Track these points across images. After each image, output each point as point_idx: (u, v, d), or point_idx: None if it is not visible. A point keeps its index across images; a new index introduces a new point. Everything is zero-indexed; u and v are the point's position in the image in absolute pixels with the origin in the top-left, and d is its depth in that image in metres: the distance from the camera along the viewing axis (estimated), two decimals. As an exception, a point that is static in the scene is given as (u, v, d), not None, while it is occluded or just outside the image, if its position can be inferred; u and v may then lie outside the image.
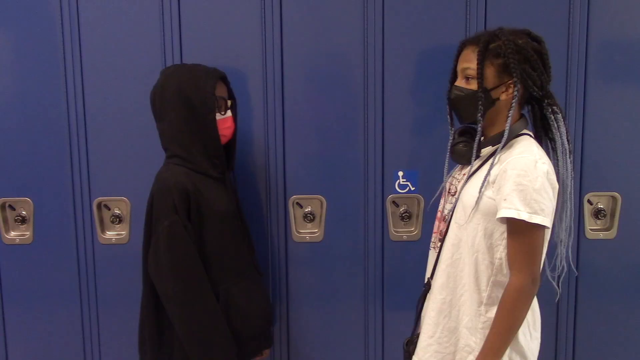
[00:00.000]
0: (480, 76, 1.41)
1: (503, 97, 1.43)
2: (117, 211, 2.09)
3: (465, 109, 1.45)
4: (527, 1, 2.00)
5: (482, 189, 1.41)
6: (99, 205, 2.08)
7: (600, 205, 2.08)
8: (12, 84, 2.05)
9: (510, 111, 1.41)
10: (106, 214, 2.10)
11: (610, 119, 2.04)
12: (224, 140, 1.73)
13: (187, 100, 1.65)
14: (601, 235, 2.08)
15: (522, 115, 1.49)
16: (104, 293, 2.12)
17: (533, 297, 1.38)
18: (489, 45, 1.42)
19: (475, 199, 1.42)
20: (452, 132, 1.57)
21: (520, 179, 1.34)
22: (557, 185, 1.40)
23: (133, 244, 2.07)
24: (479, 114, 1.42)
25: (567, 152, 1.45)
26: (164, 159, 1.74)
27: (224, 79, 1.77)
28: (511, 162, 1.37)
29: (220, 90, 1.74)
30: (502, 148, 1.42)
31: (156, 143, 1.83)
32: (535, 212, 1.32)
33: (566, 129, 1.45)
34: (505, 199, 1.35)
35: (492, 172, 1.41)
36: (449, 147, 1.56)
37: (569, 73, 2.01)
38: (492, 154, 1.44)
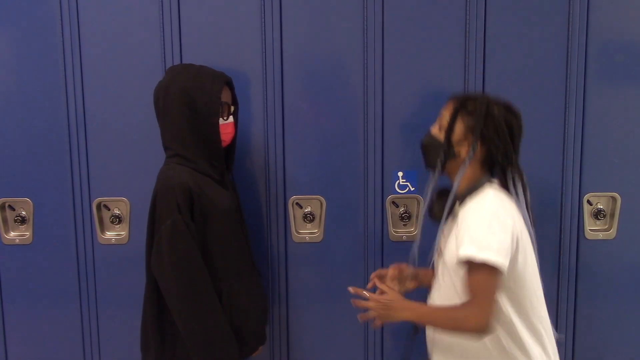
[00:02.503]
0: (450, 129, 1.48)
1: (463, 153, 1.49)
2: (116, 211, 2.09)
3: (429, 155, 1.55)
4: (527, 1, 2.00)
5: (448, 249, 1.49)
6: (98, 206, 2.08)
7: (600, 206, 2.08)
8: (12, 84, 2.05)
9: (463, 168, 1.48)
10: (106, 214, 2.10)
11: (610, 119, 2.04)
12: (223, 144, 1.74)
13: (192, 101, 1.65)
14: (601, 235, 2.08)
15: (488, 172, 1.53)
16: (104, 293, 2.12)
17: (471, 334, 1.39)
18: (466, 102, 1.49)
19: (449, 253, 1.48)
20: (430, 192, 1.60)
21: (468, 222, 1.40)
22: (509, 224, 1.40)
23: (133, 244, 2.07)
24: (439, 163, 1.50)
25: (529, 222, 1.49)
26: (163, 159, 1.74)
27: (229, 83, 1.78)
28: (464, 212, 1.45)
29: (225, 95, 1.74)
30: (454, 202, 1.50)
31: (156, 143, 1.83)
32: (481, 249, 1.35)
33: (527, 200, 1.50)
34: (460, 244, 1.40)
35: (457, 225, 1.47)
36: (425, 207, 1.63)
37: (569, 73, 2.01)
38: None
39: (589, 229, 2.08)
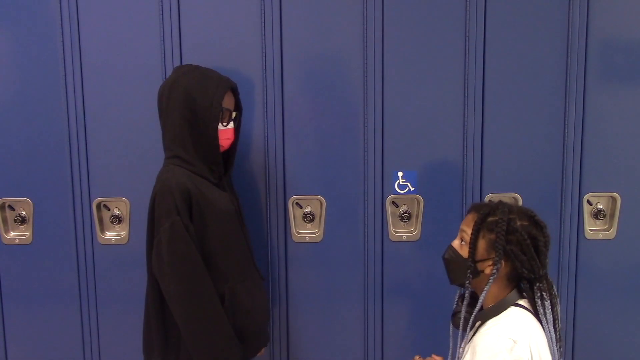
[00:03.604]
0: (473, 247, 1.44)
1: (487, 271, 1.44)
2: (116, 211, 2.09)
3: (453, 271, 1.51)
4: (527, 1, 2.00)
5: (463, 353, 1.47)
6: (98, 206, 2.08)
7: (600, 206, 2.08)
8: (12, 83, 2.05)
9: (487, 286, 1.43)
10: (106, 214, 2.10)
11: (610, 119, 2.04)
12: (221, 149, 1.73)
13: (193, 104, 1.65)
14: (601, 235, 2.08)
15: (516, 285, 1.49)
16: (104, 293, 2.12)
17: None
18: (487, 218, 1.44)
19: None
20: (457, 297, 1.58)
21: (483, 356, 1.36)
22: (525, 356, 1.36)
23: (132, 244, 2.07)
24: (467, 282, 1.46)
25: (554, 340, 1.44)
26: (163, 159, 1.74)
27: (234, 89, 1.78)
28: (481, 337, 1.41)
29: (228, 101, 1.74)
30: (481, 319, 1.46)
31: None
32: None
33: (554, 317, 1.45)
34: None
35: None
36: (452, 314, 1.59)
37: (569, 73, 2.01)
38: (481, 325, 1.47)
39: (589, 229, 2.08)
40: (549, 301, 1.43)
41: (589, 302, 2.11)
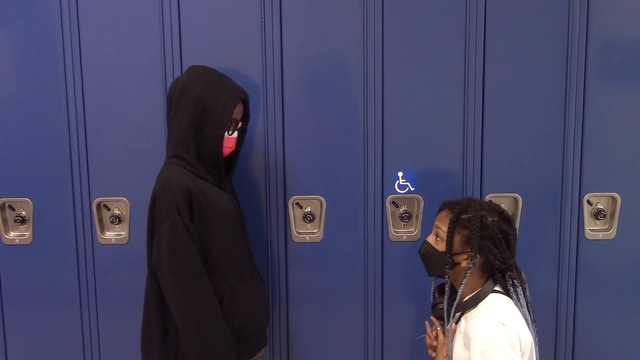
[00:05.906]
0: (450, 243, 1.54)
1: (463, 264, 1.56)
2: (116, 211, 2.09)
3: (431, 265, 1.62)
4: (527, 1, 2.00)
5: (455, 349, 1.55)
6: (98, 206, 2.08)
7: (600, 206, 2.08)
8: (12, 84, 2.05)
9: (465, 279, 1.54)
10: (106, 215, 2.10)
11: (610, 118, 2.04)
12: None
13: (204, 110, 1.66)
14: (601, 235, 2.08)
15: (490, 275, 1.59)
16: (104, 293, 2.12)
17: None
18: (460, 215, 1.55)
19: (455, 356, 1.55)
20: (432, 290, 1.69)
21: (478, 342, 1.45)
22: (516, 343, 1.45)
23: (132, 244, 2.08)
24: (446, 276, 1.56)
25: (530, 322, 1.55)
26: (163, 160, 1.74)
27: (245, 100, 1.78)
28: (473, 325, 1.49)
29: (237, 111, 1.74)
30: (461, 309, 1.56)
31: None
32: None
33: (527, 301, 1.56)
34: None
35: (462, 331, 1.54)
36: (431, 305, 1.68)
37: (569, 73, 2.01)
38: (462, 315, 1.58)
39: (589, 229, 2.08)
40: (520, 287, 1.55)
41: (589, 302, 2.11)
